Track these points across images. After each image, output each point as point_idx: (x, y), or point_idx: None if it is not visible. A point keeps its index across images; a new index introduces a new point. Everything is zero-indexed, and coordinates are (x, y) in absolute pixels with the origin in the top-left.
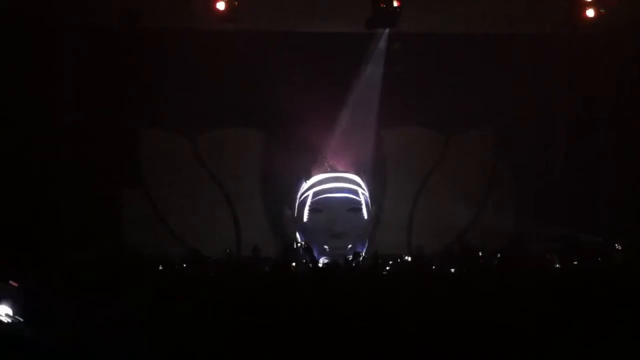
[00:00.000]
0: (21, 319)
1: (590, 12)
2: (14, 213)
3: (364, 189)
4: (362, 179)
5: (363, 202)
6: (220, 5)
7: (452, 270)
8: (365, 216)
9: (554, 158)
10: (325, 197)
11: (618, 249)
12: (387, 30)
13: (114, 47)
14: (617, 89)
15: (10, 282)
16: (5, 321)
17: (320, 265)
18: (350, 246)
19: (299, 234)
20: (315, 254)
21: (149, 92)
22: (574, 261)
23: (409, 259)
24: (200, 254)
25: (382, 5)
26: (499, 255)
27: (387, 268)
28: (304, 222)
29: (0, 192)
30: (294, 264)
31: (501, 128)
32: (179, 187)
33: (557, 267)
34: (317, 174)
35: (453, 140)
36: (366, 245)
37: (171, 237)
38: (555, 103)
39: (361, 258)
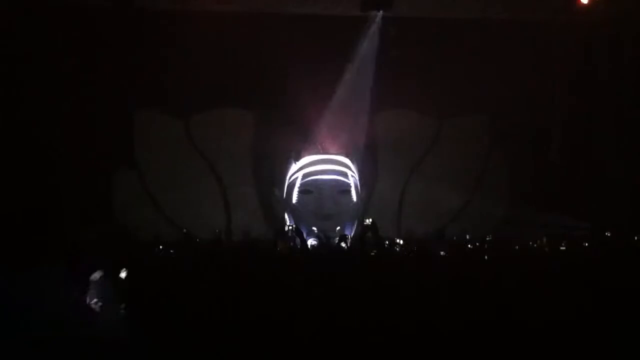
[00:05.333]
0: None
1: None
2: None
3: (353, 172)
4: (352, 162)
5: (352, 184)
6: None
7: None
8: (354, 199)
9: (549, 144)
10: (315, 179)
11: (607, 235)
12: (381, 13)
13: (107, 28)
14: (615, 76)
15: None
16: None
17: (309, 246)
18: (338, 228)
19: (288, 215)
20: (304, 235)
21: (142, 74)
22: (563, 247)
23: (401, 242)
24: (192, 238)
25: None
26: (488, 238)
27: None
28: (293, 204)
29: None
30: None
31: (496, 114)
32: (171, 169)
33: (549, 254)
34: (307, 155)
35: (446, 124)
36: (355, 227)
37: (162, 219)
38: (551, 90)
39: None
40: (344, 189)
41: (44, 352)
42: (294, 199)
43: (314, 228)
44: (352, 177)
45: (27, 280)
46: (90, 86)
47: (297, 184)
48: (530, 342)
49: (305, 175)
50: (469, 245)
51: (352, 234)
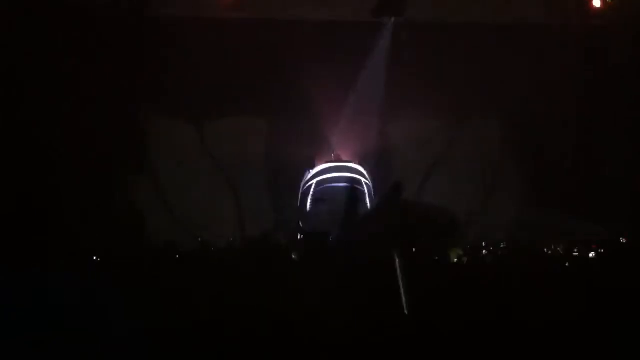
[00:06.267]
0: None
1: (596, 2)
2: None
3: (367, 179)
4: (365, 169)
5: (366, 192)
6: None
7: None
8: (369, 206)
9: (563, 149)
10: (329, 187)
11: (623, 242)
12: (392, 19)
13: (119, 35)
14: (626, 80)
15: None
16: None
17: None
18: None
19: (302, 223)
20: None
21: (155, 80)
22: (577, 252)
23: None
24: (208, 247)
25: None
26: (502, 245)
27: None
28: (307, 212)
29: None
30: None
31: (508, 119)
32: (184, 175)
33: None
34: (321, 163)
35: (459, 130)
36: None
37: (176, 225)
38: (563, 94)
39: None
40: (359, 196)
41: (44, 352)
42: (308, 207)
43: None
44: (366, 185)
45: (27, 280)
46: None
47: (311, 192)
48: (529, 342)
49: (319, 183)
50: (484, 252)
51: None
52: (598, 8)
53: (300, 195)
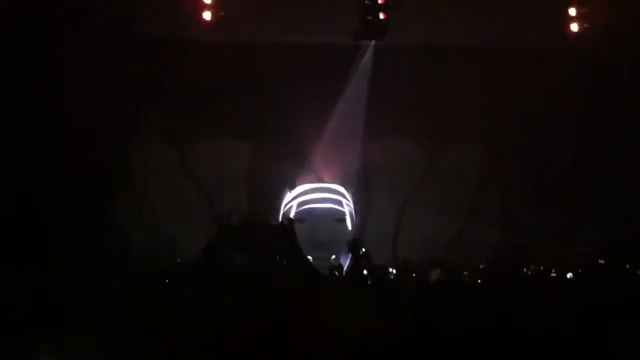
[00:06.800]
0: None
1: (574, 27)
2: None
3: (348, 200)
4: (347, 190)
5: (347, 213)
6: (207, 15)
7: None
8: (350, 227)
9: (542, 171)
10: (310, 208)
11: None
12: (373, 43)
13: (102, 56)
14: (605, 104)
15: None
16: None
17: None
18: (333, 257)
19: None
20: None
21: (138, 101)
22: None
23: (394, 270)
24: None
25: (368, 18)
26: (481, 266)
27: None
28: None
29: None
30: None
31: (489, 141)
32: (166, 197)
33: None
34: (302, 184)
35: (440, 152)
36: (350, 256)
37: (157, 246)
38: (543, 117)
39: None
40: (339, 217)
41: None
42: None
43: (309, 257)
44: (347, 206)
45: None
46: (86, 114)
47: (292, 213)
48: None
49: (300, 204)
50: (465, 273)
51: (347, 263)
52: (575, 32)
53: (281, 216)
